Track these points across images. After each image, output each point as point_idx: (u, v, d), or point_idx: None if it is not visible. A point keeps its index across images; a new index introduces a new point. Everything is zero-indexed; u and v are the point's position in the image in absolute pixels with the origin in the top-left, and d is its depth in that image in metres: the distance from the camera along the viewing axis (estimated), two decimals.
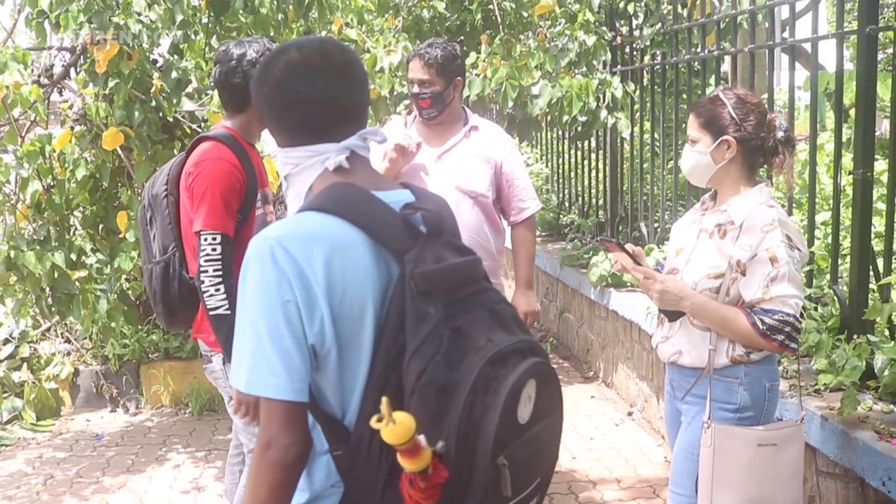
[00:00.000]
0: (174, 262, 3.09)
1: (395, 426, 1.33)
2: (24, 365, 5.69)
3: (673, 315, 2.73)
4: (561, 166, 7.89)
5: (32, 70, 4.87)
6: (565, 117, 5.35)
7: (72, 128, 4.73)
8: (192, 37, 4.81)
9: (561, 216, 7.58)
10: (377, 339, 1.53)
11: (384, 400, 1.35)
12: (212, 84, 3.19)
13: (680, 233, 2.87)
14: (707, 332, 2.64)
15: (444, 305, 1.50)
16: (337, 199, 1.58)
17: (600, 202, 6.79)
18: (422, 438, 1.38)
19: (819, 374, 3.31)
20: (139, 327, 5.74)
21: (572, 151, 7.50)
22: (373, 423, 1.36)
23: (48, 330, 5.98)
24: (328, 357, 1.53)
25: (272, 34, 5.00)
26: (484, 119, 3.89)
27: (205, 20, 4.86)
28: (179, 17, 4.37)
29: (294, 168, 1.69)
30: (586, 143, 6.98)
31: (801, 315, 2.61)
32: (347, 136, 1.66)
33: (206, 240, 2.88)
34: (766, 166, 2.77)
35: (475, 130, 3.72)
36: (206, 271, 2.85)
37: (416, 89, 3.61)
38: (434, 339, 1.46)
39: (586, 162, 7.09)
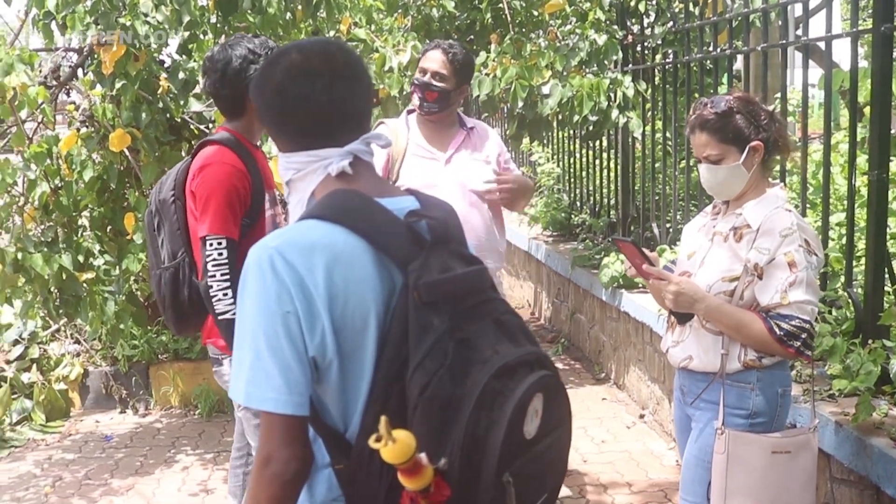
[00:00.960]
0: (184, 267, 3.05)
1: (394, 445, 1.30)
2: (34, 366, 5.69)
3: (683, 317, 2.69)
4: (572, 166, 7.84)
5: (39, 71, 4.86)
6: (576, 117, 5.31)
7: (79, 129, 4.72)
8: (201, 37, 4.78)
9: (572, 216, 7.52)
10: (380, 351, 1.50)
11: (383, 419, 1.31)
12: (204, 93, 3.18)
13: (691, 237, 2.83)
14: (719, 336, 2.61)
15: (450, 316, 1.47)
16: (339, 206, 1.55)
17: (612, 202, 6.74)
18: (423, 457, 1.34)
19: (833, 378, 3.27)
20: (148, 328, 5.73)
21: (583, 151, 7.45)
22: (371, 442, 1.32)
23: (57, 331, 5.98)
24: (330, 369, 1.50)
25: (280, 34, 4.98)
26: (472, 118, 3.90)
27: (213, 20, 4.83)
28: (186, 18, 4.34)
29: (296, 174, 1.66)
30: (597, 142, 6.93)
31: (815, 319, 2.57)
32: (351, 140, 1.62)
33: (211, 245, 2.87)
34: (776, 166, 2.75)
35: (474, 132, 3.72)
36: (214, 276, 2.84)
37: (426, 78, 3.55)
38: (438, 352, 1.42)
39: (597, 162, 7.03)
